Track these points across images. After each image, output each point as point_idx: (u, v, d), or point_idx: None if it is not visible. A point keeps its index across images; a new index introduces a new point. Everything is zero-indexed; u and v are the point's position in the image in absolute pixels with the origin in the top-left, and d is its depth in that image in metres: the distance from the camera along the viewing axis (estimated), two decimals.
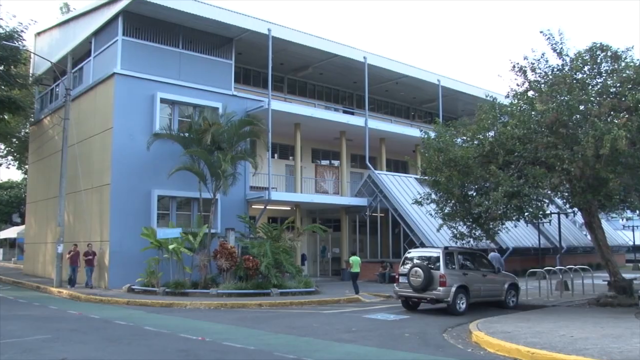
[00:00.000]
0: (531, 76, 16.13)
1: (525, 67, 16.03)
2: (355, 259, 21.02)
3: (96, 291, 19.82)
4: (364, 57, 29.01)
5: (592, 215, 16.86)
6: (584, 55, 15.33)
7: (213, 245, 21.32)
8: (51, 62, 25.45)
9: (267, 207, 25.19)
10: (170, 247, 19.67)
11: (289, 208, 28.77)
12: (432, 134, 18.27)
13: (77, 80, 26.23)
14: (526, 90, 16.11)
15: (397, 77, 32.02)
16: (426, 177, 18.40)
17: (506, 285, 17.11)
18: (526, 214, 16.27)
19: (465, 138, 17.63)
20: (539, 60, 15.91)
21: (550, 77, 15.55)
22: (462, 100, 36.22)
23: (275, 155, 29.70)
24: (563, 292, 19.52)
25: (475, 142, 17.05)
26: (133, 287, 20.18)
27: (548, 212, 17.50)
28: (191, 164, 21.63)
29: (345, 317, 15.03)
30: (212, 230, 21.85)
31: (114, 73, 22.35)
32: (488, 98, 17.51)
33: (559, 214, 26.11)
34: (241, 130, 22.15)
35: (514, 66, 16.18)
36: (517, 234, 28.87)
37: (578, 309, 15.72)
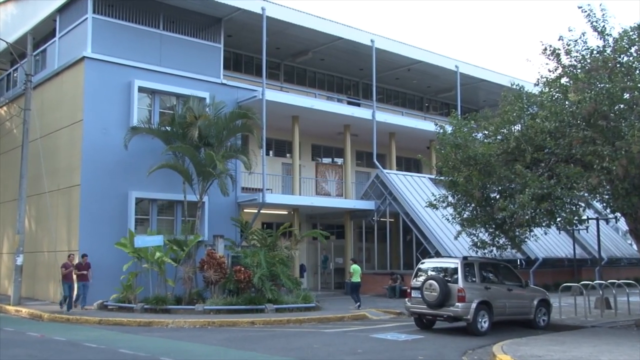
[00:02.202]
0: (566, 60, 15.91)
1: (559, 49, 15.83)
2: (355, 268, 21.57)
3: (61, 308, 19.52)
4: (372, 40, 28.91)
5: (638, 221, 16.68)
6: (630, 34, 15.06)
7: (199, 255, 21.21)
8: (7, 43, 25.19)
9: (261, 211, 25.10)
10: (156, 255, 19.58)
11: (286, 212, 28.74)
12: (449, 128, 18.22)
13: (40, 65, 26.02)
14: (559, 77, 15.90)
15: (409, 63, 31.90)
16: (442, 178, 18.37)
17: (535, 302, 16.94)
18: (558, 219, 16.18)
19: (487, 132, 17.65)
20: (576, 41, 15.69)
21: (589, 60, 15.32)
22: (484, 90, 36.16)
23: (271, 152, 29.66)
24: (604, 311, 19.27)
25: (499, 137, 17.00)
26: (106, 303, 20.02)
27: (584, 217, 17.44)
28: (174, 162, 21.54)
29: (350, 336, 14.95)
30: (199, 238, 21.65)
31: (84, 57, 22.15)
32: (514, 87, 17.42)
33: (597, 219, 25.96)
34: (232, 123, 22.09)
35: (545, 49, 15.94)
36: (547, 242, 28.69)
37: (623, 332, 15.42)
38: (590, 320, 17.78)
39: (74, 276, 19.58)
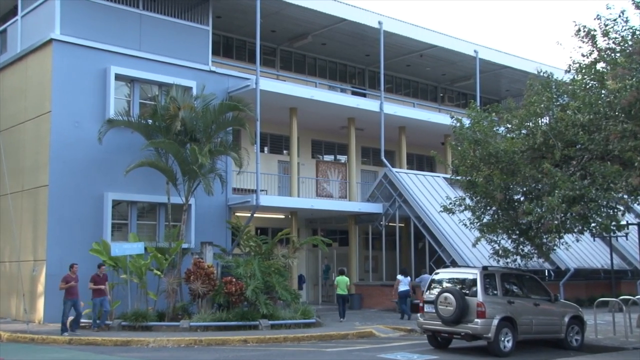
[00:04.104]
0: (602, 42, 15.70)
1: (595, 30, 15.66)
2: (342, 279, 23.00)
3: (25, 327, 19.07)
4: (379, 22, 28.87)
5: None
6: None
7: (185, 265, 21.11)
8: None
9: (255, 215, 25.11)
10: (141, 262, 19.62)
11: (282, 216, 28.76)
12: (467, 122, 18.18)
13: (0, 48, 25.89)
14: (594, 62, 15.71)
15: (421, 48, 31.87)
16: (459, 177, 18.37)
17: (567, 319, 16.79)
18: (593, 224, 16.12)
19: (510, 126, 17.61)
20: (615, 20, 15.45)
21: (630, 42, 15.14)
22: (507, 77, 36.25)
23: (265, 149, 29.70)
24: None
25: (524, 131, 16.90)
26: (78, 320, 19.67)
27: (624, 222, 17.30)
28: (156, 159, 21.48)
29: (354, 356, 14.97)
30: (184, 245, 21.74)
31: (51, 39, 21.93)
32: (541, 74, 17.35)
33: (639, 225, 25.80)
34: (221, 116, 22.08)
35: (578, 30, 15.73)
36: (580, 251, 28.64)
37: None
38: (631, 341, 17.56)
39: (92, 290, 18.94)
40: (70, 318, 18.42)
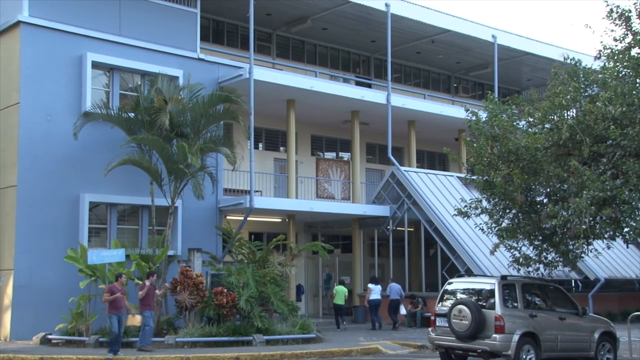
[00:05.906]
0: (638, 25, 15.79)
1: (629, 11, 15.74)
2: (341, 289, 24.77)
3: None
4: (386, 5, 28.76)
5: None
6: None
7: (171, 274, 21.16)
8: None
9: (249, 219, 25.12)
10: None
11: (279, 219, 28.85)
12: (484, 115, 18.32)
13: None
14: (629, 47, 15.74)
15: (433, 33, 31.83)
16: (475, 177, 18.54)
17: (597, 335, 16.68)
18: (626, 229, 16.25)
19: (532, 120, 17.72)
20: None
21: None
22: (529, 65, 36.30)
23: (260, 145, 29.74)
24: None
25: (548, 125, 17.09)
26: (50, 336, 19.71)
27: None
28: (139, 157, 21.49)
29: None
30: (170, 252, 21.77)
31: (19, 22, 21.79)
32: (567, 61, 17.28)
33: None
34: (211, 109, 22.17)
35: (610, 11, 15.82)
36: (611, 259, 28.56)
37: None
38: None
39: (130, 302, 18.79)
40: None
